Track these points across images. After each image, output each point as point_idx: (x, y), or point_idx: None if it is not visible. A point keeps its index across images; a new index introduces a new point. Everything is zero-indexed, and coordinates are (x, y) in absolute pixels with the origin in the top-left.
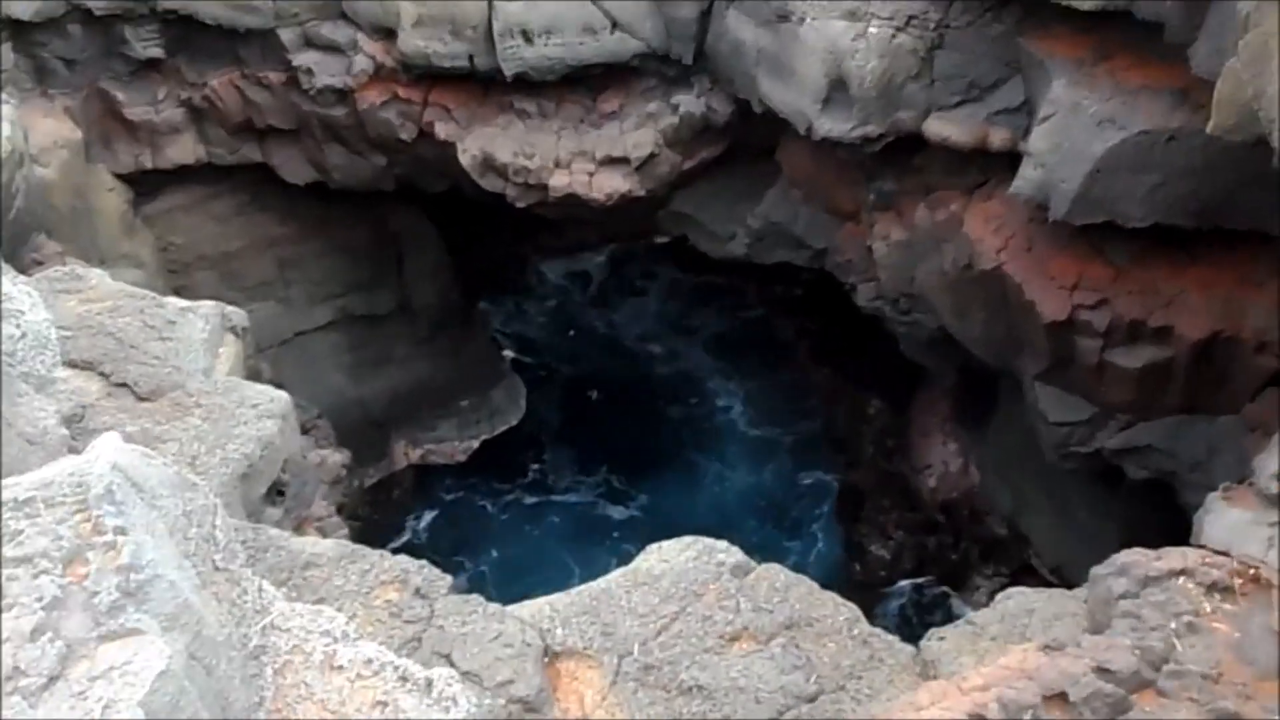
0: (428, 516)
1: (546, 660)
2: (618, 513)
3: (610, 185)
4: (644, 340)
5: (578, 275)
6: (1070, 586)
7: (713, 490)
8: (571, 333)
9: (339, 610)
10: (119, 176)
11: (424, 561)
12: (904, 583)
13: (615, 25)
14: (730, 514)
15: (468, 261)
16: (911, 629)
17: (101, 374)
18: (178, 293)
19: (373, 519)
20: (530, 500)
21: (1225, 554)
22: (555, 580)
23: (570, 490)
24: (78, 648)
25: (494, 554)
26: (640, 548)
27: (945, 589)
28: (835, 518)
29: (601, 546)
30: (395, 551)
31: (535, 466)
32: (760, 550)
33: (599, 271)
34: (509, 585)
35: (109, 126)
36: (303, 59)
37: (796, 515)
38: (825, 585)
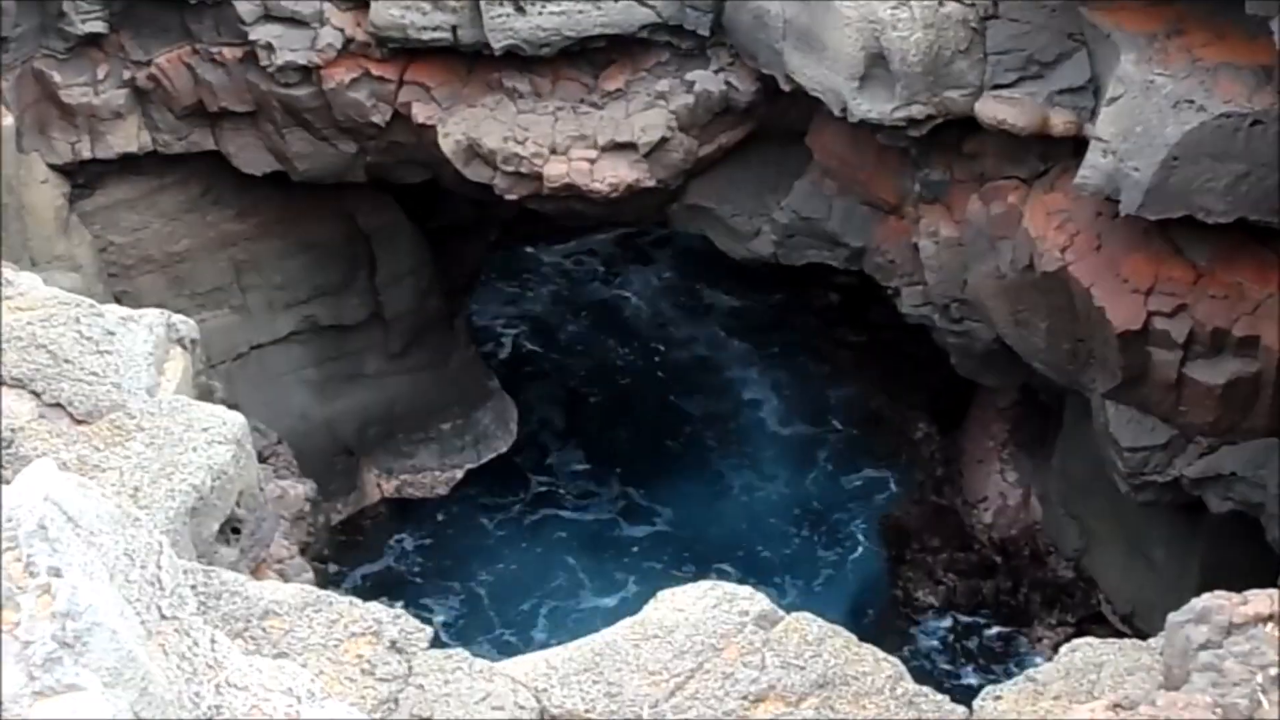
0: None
1: None
2: (636, 530)
3: (615, 175)
4: (658, 324)
5: (580, 255)
6: (1144, 636)
7: (739, 500)
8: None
9: (303, 666)
10: (54, 168)
11: (400, 610)
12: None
13: None
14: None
15: (450, 260)
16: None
17: (33, 393)
18: (119, 300)
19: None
20: (532, 519)
21: None
22: (565, 613)
23: (580, 508)
24: (10, 706)
25: (489, 579)
26: (663, 566)
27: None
28: (877, 558)
29: (617, 564)
30: (368, 581)
31: (539, 480)
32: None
33: (603, 250)
34: (510, 623)
35: (43, 111)
36: (261, 32)
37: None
38: (863, 637)
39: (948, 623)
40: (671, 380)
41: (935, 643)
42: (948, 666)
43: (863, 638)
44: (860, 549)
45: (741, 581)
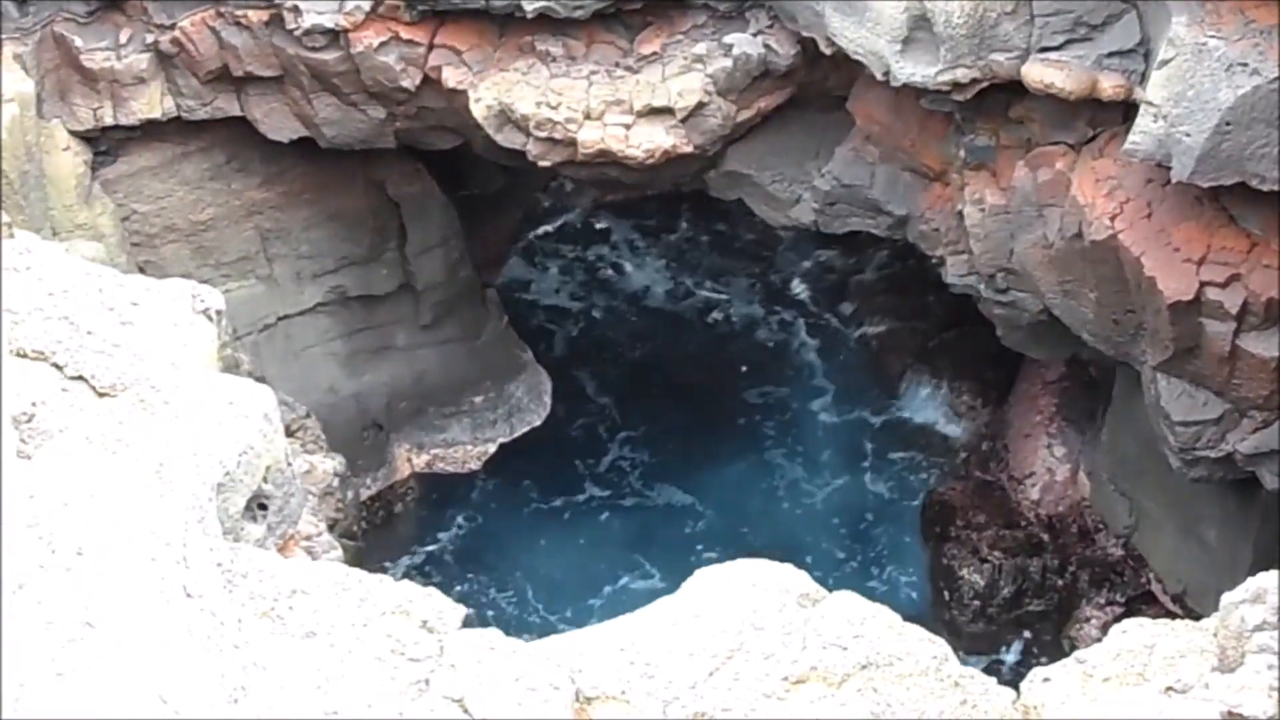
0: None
1: (577, 706)
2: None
3: (651, 140)
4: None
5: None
6: (1196, 617)
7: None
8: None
9: (331, 646)
10: (76, 135)
11: (431, 589)
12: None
13: None
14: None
15: (482, 230)
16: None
17: (55, 365)
18: (143, 270)
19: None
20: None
21: None
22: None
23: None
24: (31, 685)
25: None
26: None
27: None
28: (921, 536)
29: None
30: (414, 568)
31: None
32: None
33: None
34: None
35: (65, 77)
36: None
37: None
38: (906, 617)
39: (995, 601)
40: (704, 340)
41: (981, 624)
42: (991, 649)
43: (906, 618)
44: (905, 526)
45: (781, 559)
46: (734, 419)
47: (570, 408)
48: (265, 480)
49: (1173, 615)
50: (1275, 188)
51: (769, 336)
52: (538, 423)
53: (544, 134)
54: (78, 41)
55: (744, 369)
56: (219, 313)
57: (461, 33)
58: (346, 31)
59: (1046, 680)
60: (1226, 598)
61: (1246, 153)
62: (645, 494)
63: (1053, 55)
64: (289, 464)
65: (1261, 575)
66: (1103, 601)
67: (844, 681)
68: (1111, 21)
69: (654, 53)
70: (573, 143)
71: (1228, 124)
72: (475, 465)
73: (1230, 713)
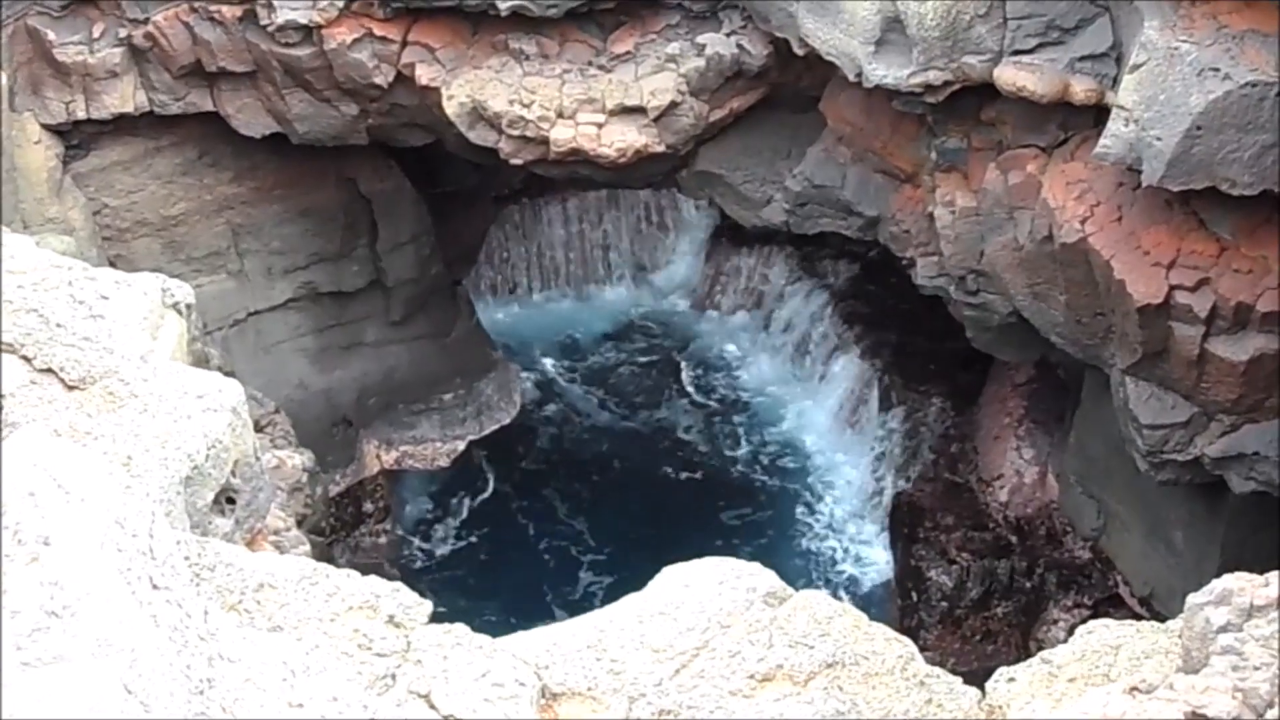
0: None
1: (543, 702)
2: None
3: (623, 139)
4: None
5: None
6: (1163, 619)
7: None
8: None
9: (298, 639)
10: (47, 128)
11: (399, 584)
12: None
13: None
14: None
15: (453, 227)
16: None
17: (24, 358)
18: (114, 264)
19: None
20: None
21: None
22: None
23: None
24: None
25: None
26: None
27: None
28: (888, 537)
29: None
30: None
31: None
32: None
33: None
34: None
35: (37, 70)
36: None
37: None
38: (873, 617)
39: (963, 603)
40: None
41: (947, 623)
42: (959, 645)
43: (873, 617)
44: (872, 526)
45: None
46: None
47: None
48: (233, 474)
49: (1139, 618)
50: (1245, 192)
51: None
52: (507, 420)
53: (516, 132)
54: (50, 35)
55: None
56: (189, 307)
57: (435, 30)
58: (320, 28)
59: (1012, 680)
60: (1191, 599)
61: (1217, 157)
62: None
63: (1025, 58)
64: (257, 458)
65: (1227, 577)
66: (1070, 604)
67: (810, 680)
68: (1084, 25)
69: (627, 52)
70: (545, 141)
71: (1198, 128)
72: (444, 462)
73: (1194, 713)
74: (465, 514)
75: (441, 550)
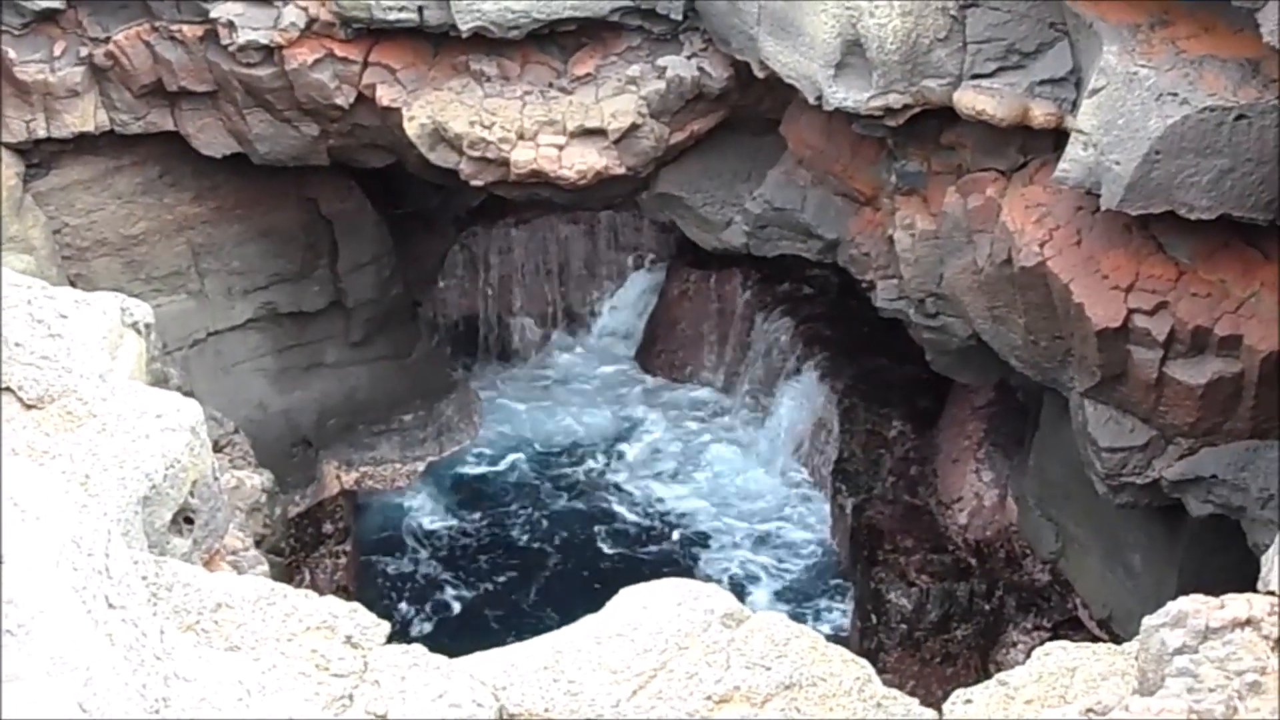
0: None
1: None
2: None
3: (583, 161)
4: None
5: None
6: (1121, 641)
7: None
8: None
9: (255, 660)
10: (8, 147)
11: (356, 605)
12: None
13: None
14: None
15: (413, 248)
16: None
17: None
18: (73, 283)
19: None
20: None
21: None
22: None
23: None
24: None
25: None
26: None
27: None
28: (848, 560)
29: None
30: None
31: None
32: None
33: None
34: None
35: None
36: (223, 10)
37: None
38: (831, 638)
39: (922, 625)
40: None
41: (906, 645)
42: (919, 668)
43: (830, 639)
44: (831, 548)
45: (709, 579)
46: None
47: None
48: (191, 494)
49: (1099, 640)
50: (1203, 216)
51: None
52: (467, 442)
53: (477, 153)
54: (11, 53)
55: None
56: (148, 326)
57: (396, 51)
58: (281, 48)
59: (969, 701)
60: (1147, 621)
61: (1175, 181)
62: None
63: (985, 82)
64: (216, 479)
65: (1182, 599)
66: (1029, 626)
67: (767, 701)
68: (1044, 50)
69: (588, 74)
70: (505, 163)
71: (1157, 153)
72: (404, 483)
73: None
74: (425, 535)
75: (401, 570)
